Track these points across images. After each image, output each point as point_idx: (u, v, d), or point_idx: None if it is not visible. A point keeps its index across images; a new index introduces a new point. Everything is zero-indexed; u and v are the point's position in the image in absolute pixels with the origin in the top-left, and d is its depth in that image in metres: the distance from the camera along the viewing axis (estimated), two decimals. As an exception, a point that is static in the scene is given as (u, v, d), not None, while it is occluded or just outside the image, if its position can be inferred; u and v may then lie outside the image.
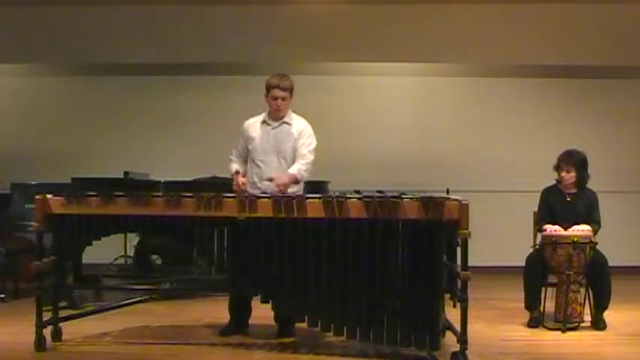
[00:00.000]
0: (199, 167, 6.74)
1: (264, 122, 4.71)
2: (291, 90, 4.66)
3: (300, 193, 4.52)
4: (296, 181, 4.56)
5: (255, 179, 4.64)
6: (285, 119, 4.69)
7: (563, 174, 5.12)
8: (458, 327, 3.93)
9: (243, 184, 4.56)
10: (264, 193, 4.31)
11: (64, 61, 7.69)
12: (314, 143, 4.67)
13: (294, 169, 4.56)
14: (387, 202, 3.95)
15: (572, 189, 5.16)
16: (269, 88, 4.64)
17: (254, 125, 4.73)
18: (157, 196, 4.18)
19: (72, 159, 7.75)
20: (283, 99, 4.62)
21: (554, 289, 5.00)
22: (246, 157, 4.74)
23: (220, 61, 7.47)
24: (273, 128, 4.68)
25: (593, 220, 5.06)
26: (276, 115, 4.68)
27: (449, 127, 8.02)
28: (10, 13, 7.30)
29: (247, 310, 4.76)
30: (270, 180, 4.48)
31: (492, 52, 7.35)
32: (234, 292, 4.65)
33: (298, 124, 4.70)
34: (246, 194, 4.27)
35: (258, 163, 4.64)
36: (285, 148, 4.64)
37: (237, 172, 4.64)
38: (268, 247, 4.08)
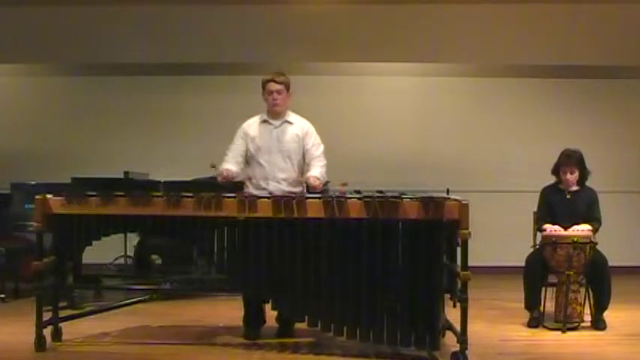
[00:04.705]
0: (199, 167, 6.71)
1: (264, 121, 4.68)
2: (287, 85, 4.64)
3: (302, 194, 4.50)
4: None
5: (260, 180, 4.62)
6: (286, 118, 4.68)
7: (568, 176, 5.08)
8: (458, 327, 3.93)
9: (227, 171, 4.53)
10: (271, 193, 4.28)
11: (64, 61, 7.68)
12: (322, 143, 4.70)
13: (316, 172, 4.56)
14: (387, 202, 3.94)
15: (574, 187, 5.15)
16: (264, 84, 4.64)
17: (253, 125, 4.71)
18: (157, 196, 4.17)
19: (72, 159, 7.75)
20: (279, 92, 4.60)
21: (554, 289, 5.01)
22: (242, 159, 4.68)
23: (220, 61, 7.46)
24: (275, 128, 4.66)
25: (593, 218, 5.06)
26: (274, 112, 4.65)
27: (449, 127, 8.02)
28: (10, 13, 7.30)
29: (261, 322, 4.68)
30: (309, 183, 4.48)
31: (492, 52, 7.35)
32: (237, 292, 4.63)
33: (301, 124, 4.69)
34: (246, 194, 4.27)
35: (263, 163, 4.62)
36: (290, 148, 4.63)
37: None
38: (268, 247, 4.08)
